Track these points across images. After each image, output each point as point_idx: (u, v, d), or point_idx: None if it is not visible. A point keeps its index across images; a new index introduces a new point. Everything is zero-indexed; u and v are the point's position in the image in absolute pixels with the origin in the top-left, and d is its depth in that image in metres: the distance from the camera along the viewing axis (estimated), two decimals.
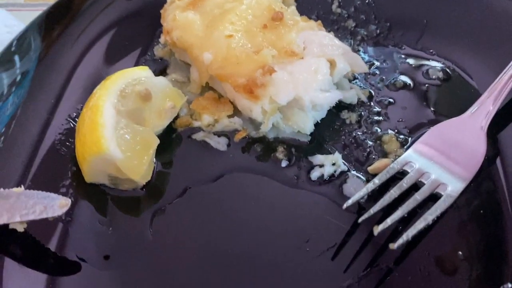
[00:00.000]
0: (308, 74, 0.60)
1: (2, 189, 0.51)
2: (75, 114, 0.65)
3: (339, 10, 0.77)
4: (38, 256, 0.53)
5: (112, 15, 0.78)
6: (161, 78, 0.63)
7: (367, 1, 0.77)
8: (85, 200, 0.57)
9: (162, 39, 0.69)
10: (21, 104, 0.65)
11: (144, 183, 0.58)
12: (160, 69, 0.72)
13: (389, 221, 0.50)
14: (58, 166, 0.60)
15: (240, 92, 0.59)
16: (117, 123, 0.55)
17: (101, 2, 0.79)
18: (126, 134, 0.55)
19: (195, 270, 0.53)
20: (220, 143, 0.63)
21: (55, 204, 0.48)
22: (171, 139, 0.64)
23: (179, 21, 0.67)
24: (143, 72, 0.61)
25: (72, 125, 0.64)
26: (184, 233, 0.56)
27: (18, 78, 0.67)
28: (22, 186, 0.51)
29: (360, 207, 0.55)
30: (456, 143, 0.58)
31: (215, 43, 0.63)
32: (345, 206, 0.52)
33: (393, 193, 0.54)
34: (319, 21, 0.69)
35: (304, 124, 0.62)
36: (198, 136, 0.64)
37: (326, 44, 0.63)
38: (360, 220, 0.51)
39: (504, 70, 0.63)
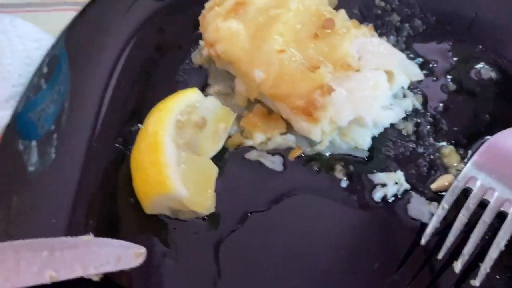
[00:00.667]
0: (367, 90, 0.58)
1: (69, 238, 0.49)
2: (121, 139, 0.63)
3: (382, 4, 0.73)
4: None
5: (143, 16, 0.73)
6: (211, 99, 0.61)
7: None
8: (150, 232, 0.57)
9: (205, 50, 0.66)
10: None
11: (207, 214, 0.57)
12: (202, 81, 0.69)
13: (466, 253, 0.50)
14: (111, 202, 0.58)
15: (299, 114, 0.57)
16: (178, 158, 0.53)
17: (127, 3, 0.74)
18: (187, 168, 0.54)
19: None
20: (275, 163, 0.62)
21: (129, 253, 0.47)
22: (225, 160, 0.62)
23: (223, 32, 0.63)
24: (194, 96, 0.59)
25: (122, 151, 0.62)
26: (249, 262, 0.56)
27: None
28: (91, 234, 0.50)
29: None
30: None
31: (266, 59, 0.60)
32: (423, 241, 0.52)
33: (463, 217, 0.53)
34: (371, 25, 0.65)
35: (362, 140, 0.60)
36: (252, 155, 0.62)
37: (382, 53, 0.61)
38: (440, 256, 0.51)
39: None
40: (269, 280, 0.54)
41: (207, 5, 0.67)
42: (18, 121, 0.62)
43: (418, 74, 0.62)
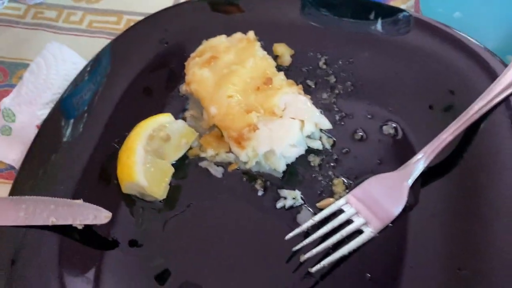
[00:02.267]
0: (283, 132, 0.84)
1: (68, 199, 0.79)
2: (117, 140, 0.92)
3: (324, 66, 0.98)
4: (90, 237, 0.82)
5: (148, 57, 1.02)
6: (179, 122, 0.88)
7: (348, 61, 0.98)
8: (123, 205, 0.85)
9: (183, 88, 0.94)
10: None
11: (161, 199, 0.85)
12: (183, 105, 0.96)
13: (314, 251, 0.75)
14: (104, 180, 0.88)
15: (232, 141, 0.84)
16: (145, 159, 0.81)
17: (138, 47, 1.03)
18: (151, 167, 0.82)
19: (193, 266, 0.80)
20: (217, 171, 0.88)
21: (101, 215, 0.76)
22: (184, 165, 0.89)
23: (197, 77, 0.90)
24: (166, 118, 0.86)
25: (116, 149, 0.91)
26: (188, 237, 0.83)
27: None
28: (81, 199, 0.79)
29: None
30: (381, 196, 0.80)
31: (220, 100, 0.86)
32: (287, 237, 0.77)
33: (326, 228, 0.78)
34: (300, 86, 0.90)
35: (278, 165, 0.86)
36: (203, 164, 0.89)
37: (301, 108, 0.86)
38: (294, 249, 0.76)
39: (442, 132, 0.82)
40: (199, 253, 0.81)
41: (191, 55, 0.95)
42: (63, 103, 0.93)
43: (326, 125, 0.87)
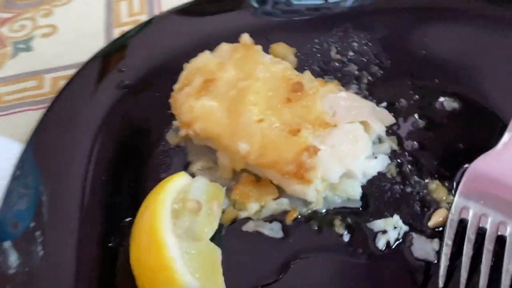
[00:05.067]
0: (349, 144, 0.60)
1: None
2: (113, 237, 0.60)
3: (338, 56, 0.77)
4: None
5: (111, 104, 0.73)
6: (199, 179, 0.60)
7: (364, 42, 0.78)
8: None
9: (182, 132, 0.66)
10: None
11: None
12: (182, 160, 0.68)
13: (482, 286, 0.51)
14: None
15: (291, 179, 0.58)
16: (181, 250, 0.52)
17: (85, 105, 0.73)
18: (191, 257, 0.52)
19: None
20: (274, 230, 0.61)
21: None
22: (223, 238, 0.61)
23: (198, 111, 0.63)
24: (183, 180, 0.58)
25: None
26: None
27: None
28: None
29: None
30: (496, 179, 0.60)
31: (247, 130, 0.61)
32: (441, 283, 0.52)
33: (468, 250, 0.55)
34: (336, 81, 0.68)
35: (353, 191, 0.62)
36: (250, 227, 0.62)
37: (353, 106, 0.63)
38: None
39: None
40: None
41: (176, 87, 0.68)
42: None
43: (390, 119, 0.65)
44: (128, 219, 0.62)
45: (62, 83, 0.83)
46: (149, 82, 0.74)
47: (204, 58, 0.69)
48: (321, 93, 0.64)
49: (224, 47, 0.71)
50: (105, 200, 0.64)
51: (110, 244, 0.60)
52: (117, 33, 0.90)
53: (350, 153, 0.59)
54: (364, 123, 0.62)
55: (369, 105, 0.64)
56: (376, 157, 0.62)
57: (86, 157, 0.68)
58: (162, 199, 0.54)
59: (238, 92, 0.64)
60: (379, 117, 0.64)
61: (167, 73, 0.73)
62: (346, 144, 0.60)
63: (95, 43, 0.87)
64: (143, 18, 0.91)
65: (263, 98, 0.63)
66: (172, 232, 0.52)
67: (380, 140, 0.67)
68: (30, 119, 0.78)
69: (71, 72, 0.81)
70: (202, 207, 0.56)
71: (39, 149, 0.68)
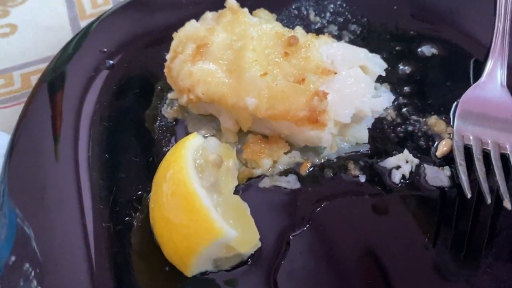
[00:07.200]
0: (353, 86, 0.61)
1: None
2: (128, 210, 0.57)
3: (318, 19, 0.79)
4: None
5: (100, 86, 0.70)
6: (211, 139, 0.59)
7: (338, 3, 0.80)
8: None
9: (183, 99, 0.64)
10: None
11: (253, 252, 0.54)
12: (183, 133, 0.66)
13: (503, 191, 0.54)
14: None
15: (305, 125, 0.58)
16: (212, 202, 0.50)
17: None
18: (223, 210, 0.51)
19: None
20: (291, 182, 0.61)
21: None
22: (242, 196, 0.60)
23: (197, 75, 0.62)
24: (197, 139, 0.56)
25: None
26: (308, 281, 0.53)
27: None
28: None
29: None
30: (488, 99, 0.64)
31: (252, 85, 0.60)
32: (469, 195, 0.54)
33: (480, 168, 0.57)
34: (327, 34, 0.69)
35: (361, 135, 0.63)
36: (266, 183, 0.61)
37: (349, 53, 0.65)
38: (489, 201, 0.54)
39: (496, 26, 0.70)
40: None
41: (168, 56, 0.67)
42: None
43: (382, 64, 0.67)
44: (139, 193, 0.59)
45: (33, 78, 0.79)
46: (134, 59, 0.72)
47: (192, 27, 0.68)
48: (316, 45, 0.65)
49: (209, 15, 0.70)
50: (112, 177, 0.61)
51: (126, 219, 0.57)
52: (83, 25, 0.86)
53: (355, 94, 0.60)
54: (362, 67, 0.64)
55: (363, 51, 0.66)
56: (380, 96, 0.63)
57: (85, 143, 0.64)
58: (184, 155, 0.52)
59: (235, 52, 0.64)
60: (375, 60, 0.66)
61: (151, 48, 0.71)
62: (350, 87, 0.61)
63: (62, 36, 0.84)
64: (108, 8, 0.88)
65: (261, 55, 0.63)
66: (201, 184, 0.50)
67: (375, 87, 0.69)
68: (7, 115, 0.73)
69: (41, 66, 0.78)
70: (223, 161, 0.54)
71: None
